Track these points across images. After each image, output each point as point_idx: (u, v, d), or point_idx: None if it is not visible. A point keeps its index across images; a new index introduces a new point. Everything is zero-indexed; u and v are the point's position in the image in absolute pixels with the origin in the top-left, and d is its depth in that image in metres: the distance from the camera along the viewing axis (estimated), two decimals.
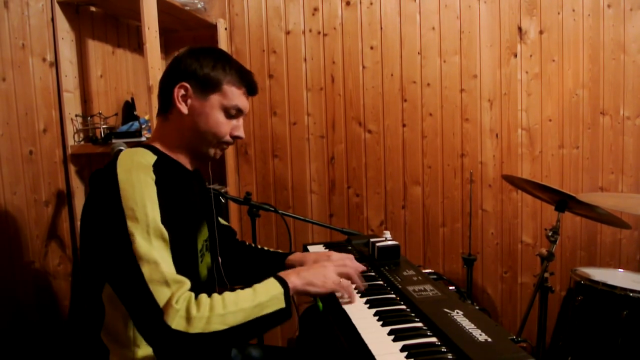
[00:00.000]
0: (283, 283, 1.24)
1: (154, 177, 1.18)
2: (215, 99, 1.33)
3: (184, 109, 1.32)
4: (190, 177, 1.41)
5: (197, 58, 1.34)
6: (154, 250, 1.10)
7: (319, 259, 1.59)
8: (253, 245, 1.81)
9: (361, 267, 1.52)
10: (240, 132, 1.40)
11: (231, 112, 1.36)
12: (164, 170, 1.24)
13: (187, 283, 1.13)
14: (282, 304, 1.21)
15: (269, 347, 1.77)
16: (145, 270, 1.09)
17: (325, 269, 1.36)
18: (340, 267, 1.41)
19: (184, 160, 1.39)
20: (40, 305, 2.13)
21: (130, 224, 1.11)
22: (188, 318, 1.08)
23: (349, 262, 1.48)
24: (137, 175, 1.16)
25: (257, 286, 1.22)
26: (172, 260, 1.14)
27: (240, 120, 1.40)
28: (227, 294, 1.17)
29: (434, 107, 2.85)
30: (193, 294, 1.13)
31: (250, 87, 1.40)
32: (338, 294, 1.37)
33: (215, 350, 1.13)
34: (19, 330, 2.03)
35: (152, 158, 1.26)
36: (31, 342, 2.07)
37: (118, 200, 1.12)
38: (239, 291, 1.19)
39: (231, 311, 1.13)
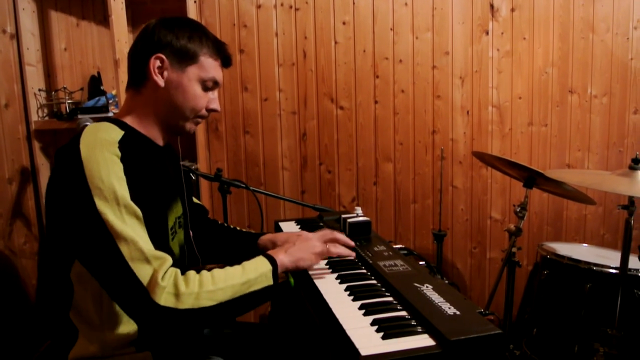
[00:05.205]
0: (272, 261, 1.27)
1: (119, 153, 1.15)
2: (192, 70, 1.30)
3: (160, 81, 1.28)
4: (160, 152, 1.38)
5: (172, 29, 1.30)
6: (128, 228, 1.09)
7: (289, 238, 1.58)
8: (225, 224, 1.80)
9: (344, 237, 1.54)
10: (216, 105, 1.38)
11: (208, 85, 1.33)
12: (131, 146, 1.20)
13: (169, 259, 1.13)
14: (270, 282, 1.24)
15: (240, 324, 1.77)
16: (124, 249, 1.07)
17: (310, 241, 1.40)
18: (322, 235, 1.46)
19: (156, 135, 1.35)
20: (6, 285, 2.08)
21: (100, 203, 1.08)
22: (177, 294, 1.09)
23: (329, 231, 1.53)
24: (101, 152, 1.12)
25: (245, 263, 1.24)
26: (148, 237, 1.12)
27: (216, 93, 1.38)
28: (216, 270, 1.19)
29: (405, 83, 2.85)
30: (179, 270, 1.13)
31: (225, 58, 1.38)
32: (324, 261, 1.44)
33: (204, 326, 1.17)
34: None
35: (118, 134, 1.21)
36: None
37: (83, 178, 1.09)
38: (227, 268, 1.21)
39: (220, 287, 1.14)
